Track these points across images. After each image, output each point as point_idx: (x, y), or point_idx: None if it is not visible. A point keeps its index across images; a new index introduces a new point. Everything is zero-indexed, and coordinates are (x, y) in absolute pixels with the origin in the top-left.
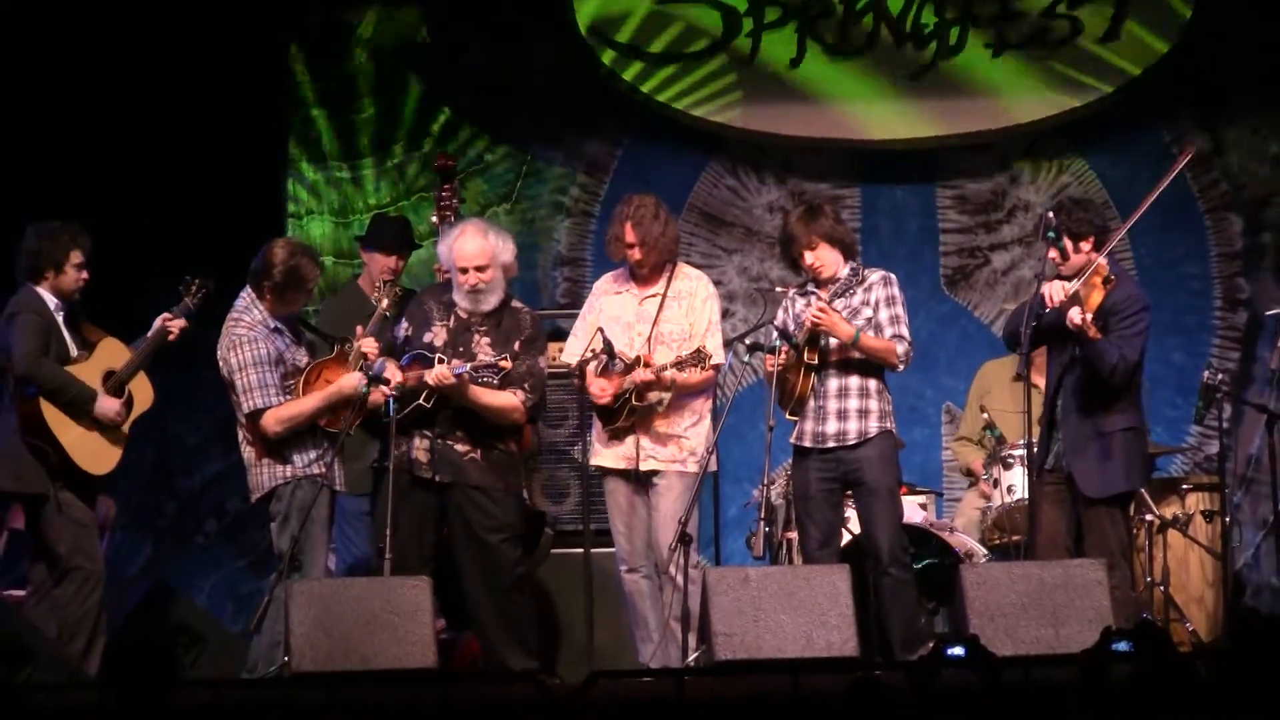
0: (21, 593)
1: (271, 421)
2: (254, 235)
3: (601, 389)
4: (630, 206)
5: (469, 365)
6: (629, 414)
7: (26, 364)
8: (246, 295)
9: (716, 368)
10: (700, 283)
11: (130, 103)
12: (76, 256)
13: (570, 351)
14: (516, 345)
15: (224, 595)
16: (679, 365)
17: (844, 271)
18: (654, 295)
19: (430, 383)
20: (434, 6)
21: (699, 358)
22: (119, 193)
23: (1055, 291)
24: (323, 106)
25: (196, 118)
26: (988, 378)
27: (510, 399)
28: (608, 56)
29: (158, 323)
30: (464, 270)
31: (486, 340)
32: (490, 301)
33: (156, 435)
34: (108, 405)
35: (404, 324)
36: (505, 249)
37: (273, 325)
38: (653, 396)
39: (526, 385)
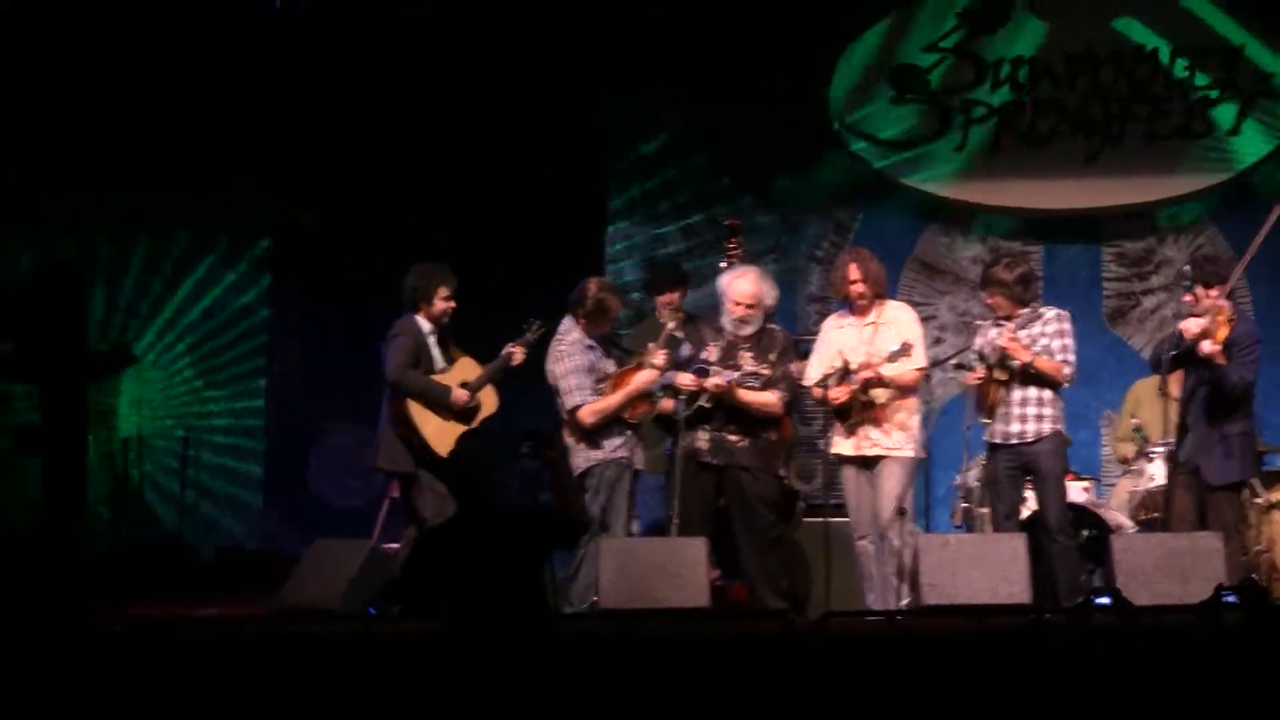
0: (397, 546)
1: (587, 414)
2: (581, 275)
3: (836, 394)
4: (852, 254)
5: (737, 374)
6: (860, 409)
7: (396, 374)
8: (568, 320)
9: (922, 369)
10: (905, 311)
11: (492, 181)
12: (444, 291)
13: (809, 375)
14: (773, 356)
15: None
16: (892, 358)
17: (1024, 310)
18: (871, 323)
19: (708, 388)
20: (716, 98)
21: (905, 349)
22: (482, 247)
23: (1191, 325)
24: (629, 175)
25: (542, 188)
26: (1137, 392)
27: (770, 398)
28: (853, 142)
29: (505, 350)
30: (736, 304)
31: (750, 355)
32: (748, 329)
33: (502, 430)
34: (459, 394)
35: (687, 346)
36: (769, 295)
37: (587, 343)
38: (874, 393)
39: (782, 386)
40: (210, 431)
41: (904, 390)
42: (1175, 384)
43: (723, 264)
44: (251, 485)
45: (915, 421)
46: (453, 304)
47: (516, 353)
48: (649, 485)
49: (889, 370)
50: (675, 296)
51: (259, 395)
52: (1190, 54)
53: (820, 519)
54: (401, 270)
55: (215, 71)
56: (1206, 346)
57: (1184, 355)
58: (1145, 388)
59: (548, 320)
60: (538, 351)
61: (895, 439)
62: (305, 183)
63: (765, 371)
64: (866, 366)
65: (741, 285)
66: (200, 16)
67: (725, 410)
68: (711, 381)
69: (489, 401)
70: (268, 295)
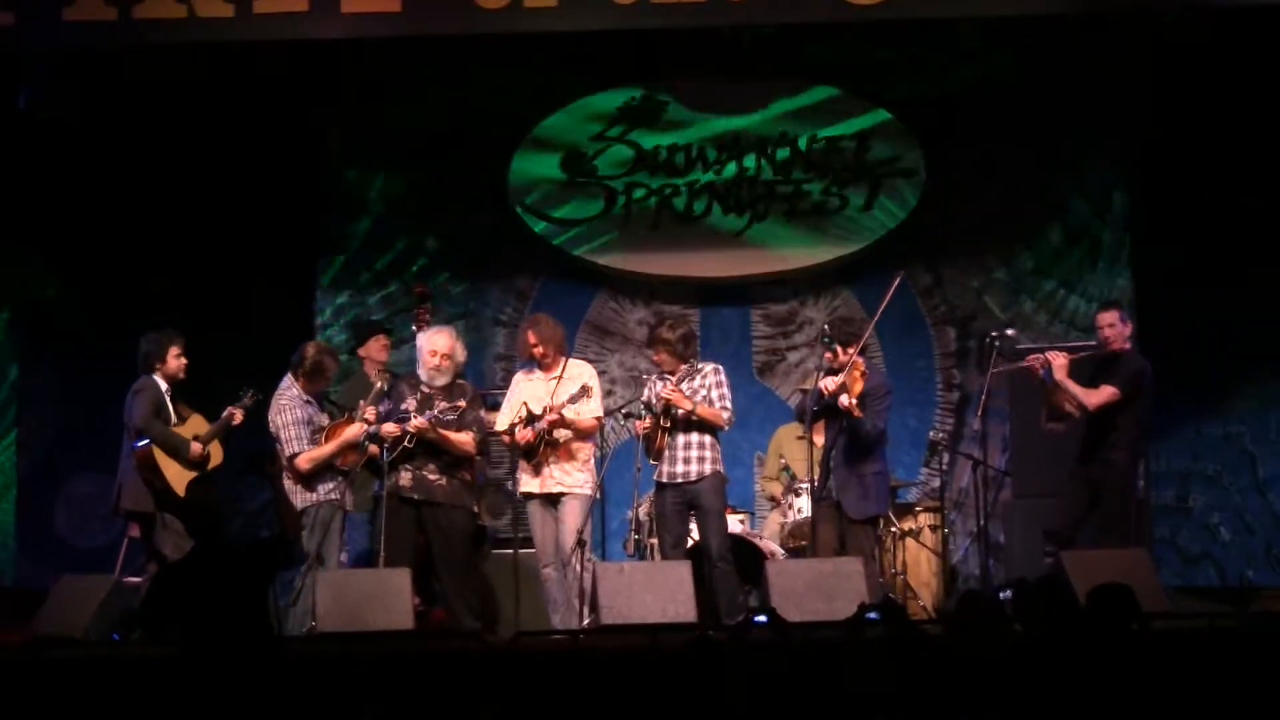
0: (138, 580)
1: (303, 461)
2: (296, 339)
3: (524, 435)
4: (529, 321)
5: (435, 412)
6: (544, 448)
7: (143, 423)
8: (287, 378)
9: (598, 419)
10: (585, 368)
11: (216, 256)
12: (175, 350)
13: (500, 421)
14: (463, 402)
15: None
16: (573, 399)
17: (685, 366)
18: (554, 377)
19: (411, 429)
20: (415, 187)
21: (584, 390)
22: (202, 317)
23: (829, 383)
24: (340, 254)
25: (256, 262)
26: (780, 437)
27: (465, 438)
28: (530, 219)
29: (225, 413)
30: (432, 354)
31: (444, 403)
32: (441, 380)
33: (222, 480)
34: (196, 447)
35: (387, 401)
36: (461, 352)
37: (305, 399)
38: (558, 434)
39: (474, 428)
40: None
41: (583, 435)
42: (817, 431)
43: (414, 327)
44: (3, 528)
45: (591, 464)
46: (184, 360)
47: (237, 414)
48: (355, 521)
49: (569, 413)
50: (379, 343)
51: (10, 447)
52: (825, 141)
53: (510, 550)
54: (135, 336)
55: None
56: (844, 400)
57: (825, 409)
58: (787, 432)
59: (260, 389)
60: (255, 411)
61: (575, 479)
62: (49, 261)
63: (461, 404)
64: (551, 410)
65: (438, 340)
66: None
67: (425, 450)
68: (414, 423)
69: (216, 454)
70: (18, 361)
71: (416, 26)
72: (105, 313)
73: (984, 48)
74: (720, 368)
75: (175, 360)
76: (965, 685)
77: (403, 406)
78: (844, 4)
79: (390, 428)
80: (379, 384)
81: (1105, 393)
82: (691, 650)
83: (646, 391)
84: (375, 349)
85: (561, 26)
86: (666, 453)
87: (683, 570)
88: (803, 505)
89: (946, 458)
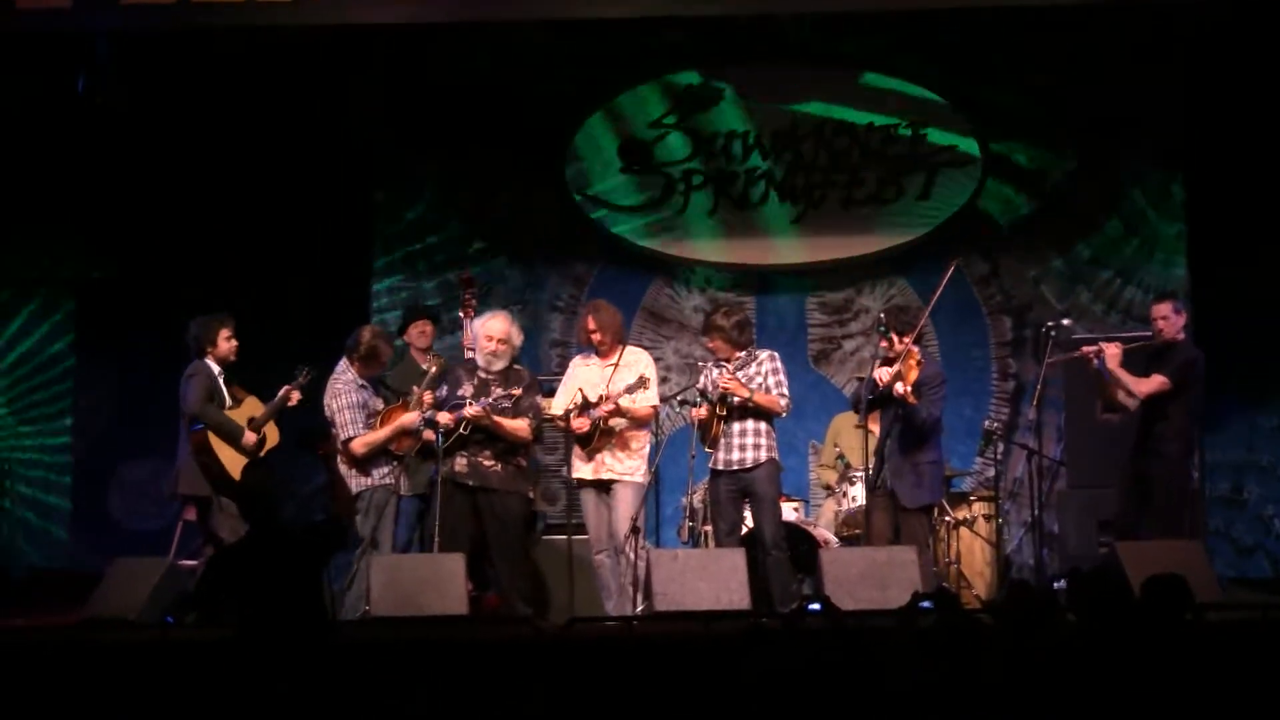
0: (193, 563)
1: (358, 445)
2: (351, 322)
3: (579, 424)
4: (589, 307)
5: (490, 399)
6: (599, 436)
7: (197, 407)
8: (343, 362)
9: (654, 408)
10: (642, 355)
11: (274, 241)
12: (226, 332)
13: (556, 405)
14: (519, 389)
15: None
16: (630, 389)
17: (742, 353)
18: (611, 364)
19: (467, 416)
20: (471, 171)
21: (641, 381)
22: (263, 300)
23: (884, 373)
24: (395, 237)
25: (311, 247)
26: (837, 425)
27: (521, 424)
28: (587, 206)
29: (281, 392)
30: (489, 339)
31: (500, 389)
32: (498, 364)
33: (277, 462)
34: (250, 436)
35: (444, 387)
36: (517, 336)
37: (360, 383)
38: (613, 422)
39: (530, 415)
40: (23, 463)
41: (638, 422)
42: (873, 419)
43: (461, 313)
44: (58, 511)
45: (645, 451)
46: (235, 342)
47: (294, 394)
48: (405, 509)
49: (625, 402)
50: (418, 329)
51: (66, 431)
52: (881, 130)
53: (564, 537)
54: (190, 319)
55: (21, 147)
56: (899, 388)
57: (880, 398)
58: (844, 420)
59: (315, 366)
60: (310, 391)
61: (628, 465)
62: (104, 244)
63: (516, 392)
64: (606, 399)
65: (493, 324)
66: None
67: (482, 437)
68: (470, 411)
69: (272, 435)
70: (73, 344)
71: (470, 11)
72: (160, 296)
73: (1037, 36)
74: (776, 354)
75: (226, 343)
76: (1017, 674)
77: (459, 392)
78: None
79: (446, 417)
80: (433, 369)
81: (1155, 381)
82: (746, 637)
83: (702, 379)
84: (414, 334)
85: (617, 13)
86: (722, 440)
87: (737, 558)
88: (857, 494)
89: (1001, 447)
